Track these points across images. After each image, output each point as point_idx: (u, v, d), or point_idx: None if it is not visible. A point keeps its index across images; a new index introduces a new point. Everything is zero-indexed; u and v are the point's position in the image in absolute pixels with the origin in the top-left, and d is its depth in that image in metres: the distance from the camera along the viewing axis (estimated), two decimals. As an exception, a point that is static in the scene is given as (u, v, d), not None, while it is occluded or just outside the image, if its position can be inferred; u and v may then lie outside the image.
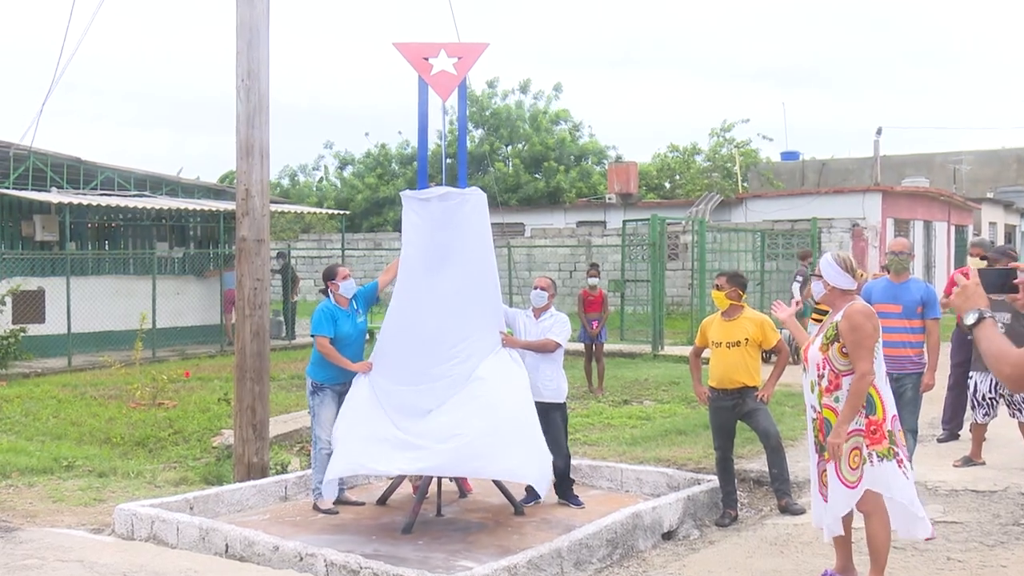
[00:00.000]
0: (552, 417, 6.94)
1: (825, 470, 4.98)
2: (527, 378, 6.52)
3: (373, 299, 7.25)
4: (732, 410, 6.82)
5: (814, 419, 5.06)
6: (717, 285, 6.81)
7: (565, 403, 7.14)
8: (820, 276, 5.11)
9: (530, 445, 6.12)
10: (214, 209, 18.54)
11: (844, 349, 4.92)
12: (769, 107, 72.00)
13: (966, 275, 3.23)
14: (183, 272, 19.74)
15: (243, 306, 7.59)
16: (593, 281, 13.40)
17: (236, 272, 7.45)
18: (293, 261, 21.79)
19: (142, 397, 11.55)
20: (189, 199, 19.86)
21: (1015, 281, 3.25)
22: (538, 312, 7.10)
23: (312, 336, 6.99)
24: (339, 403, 6.92)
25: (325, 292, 7.17)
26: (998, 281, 3.22)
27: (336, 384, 6.97)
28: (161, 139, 77.78)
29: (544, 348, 6.92)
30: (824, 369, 4.98)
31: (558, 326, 7.06)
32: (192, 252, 20.27)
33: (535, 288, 7.16)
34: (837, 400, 4.94)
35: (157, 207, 17.74)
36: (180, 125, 77.87)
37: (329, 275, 7.10)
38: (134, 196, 18.77)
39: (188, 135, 76.81)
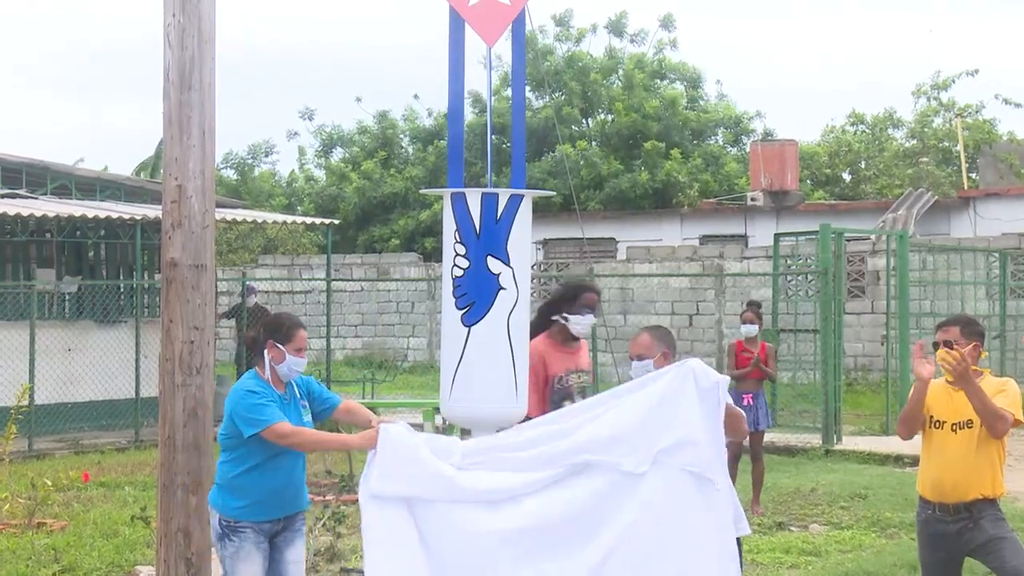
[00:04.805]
0: None
1: None
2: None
3: (320, 413, 7.02)
4: (958, 538, 6.77)
5: None
6: (944, 342, 6.74)
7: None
8: None
9: None
10: (127, 217, 18.87)
11: None
12: (1012, 49, 71.25)
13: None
14: (78, 316, 20.07)
15: (172, 370, 7.69)
16: (750, 330, 13.33)
17: (164, 316, 7.57)
18: (255, 297, 22.05)
19: (13, 513, 11.69)
20: (89, 201, 20.21)
21: None
22: None
23: (249, 431, 6.60)
24: (268, 556, 6.74)
25: (251, 352, 7.00)
26: None
27: (267, 520, 6.77)
28: (57, 109, 79.57)
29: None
30: None
31: None
32: (92, 284, 20.59)
33: (632, 358, 6.92)
34: None
35: (38, 214, 18.12)
36: (89, 90, 79.62)
37: (276, 332, 6.84)
38: (2, 196, 19.16)
39: (100, 104, 78.52)
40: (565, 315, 7.90)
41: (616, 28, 39.15)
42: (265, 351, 6.82)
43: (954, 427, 6.76)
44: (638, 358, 6.84)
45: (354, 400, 7.05)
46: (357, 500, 6.36)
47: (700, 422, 6.28)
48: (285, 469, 6.76)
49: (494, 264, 6.91)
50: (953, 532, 6.77)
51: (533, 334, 7.72)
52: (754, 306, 13.91)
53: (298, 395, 6.90)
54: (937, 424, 6.82)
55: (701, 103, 39.09)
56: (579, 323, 7.96)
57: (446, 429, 12.19)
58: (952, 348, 6.69)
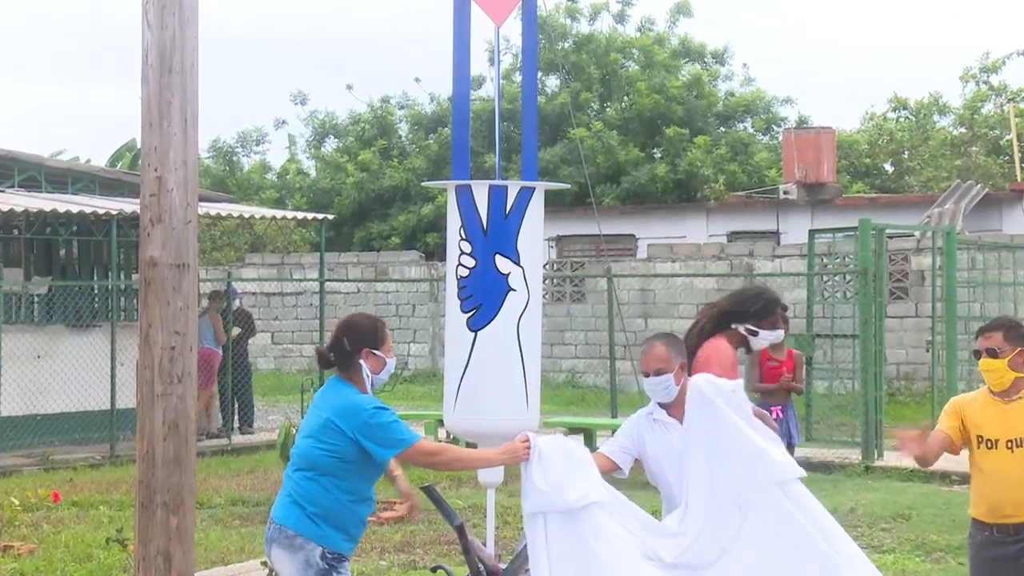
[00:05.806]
0: None
1: None
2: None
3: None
4: (1015, 562, 6.78)
5: None
6: (988, 349, 6.75)
7: None
8: None
9: None
10: (102, 211, 18.82)
11: None
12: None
13: None
14: (48, 320, 20.05)
15: (151, 378, 7.66)
16: (776, 335, 13.26)
17: (142, 320, 7.54)
18: (239, 300, 22.05)
19: (-22, 534, 11.70)
20: (60, 195, 20.17)
21: None
22: (673, 411, 6.67)
23: (388, 454, 6.39)
24: None
25: (328, 363, 6.68)
26: None
27: (350, 553, 6.67)
28: (31, 95, 79.73)
29: None
30: None
31: None
32: (64, 284, 20.54)
33: (647, 374, 6.64)
34: None
35: (4, 208, 18.09)
36: (68, 74, 79.68)
37: (371, 337, 6.61)
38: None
39: (84, 90, 78.50)
40: (753, 328, 7.69)
41: (622, 12, 39.05)
42: (361, 360, 6.56)
43: (1009, 445, 6.71)
44: (656, 373, 6.60)
45: None
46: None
47: (749, 433, 6.31)
48: (373, 497, 6.63)
49: (503, 263, 6.87)
50: (1011, 554, 6.75)
51: (703, 335, 7.60)
52: (780, 308, 13.82)
53: None
54: (989, 444, 6.76)
55: (726, 83, 38.97)
56: (767, 340, 7.82)
57: (450, 443, 12.17)
58: (995, 356, 6.67)
